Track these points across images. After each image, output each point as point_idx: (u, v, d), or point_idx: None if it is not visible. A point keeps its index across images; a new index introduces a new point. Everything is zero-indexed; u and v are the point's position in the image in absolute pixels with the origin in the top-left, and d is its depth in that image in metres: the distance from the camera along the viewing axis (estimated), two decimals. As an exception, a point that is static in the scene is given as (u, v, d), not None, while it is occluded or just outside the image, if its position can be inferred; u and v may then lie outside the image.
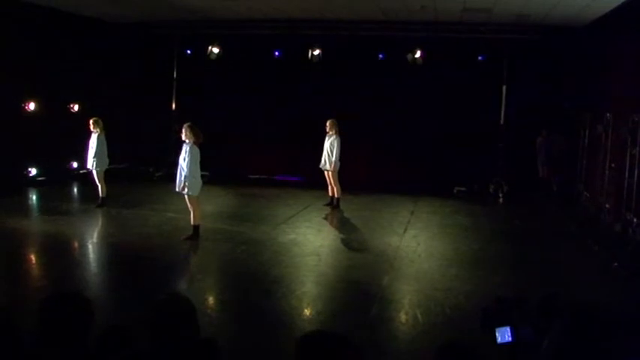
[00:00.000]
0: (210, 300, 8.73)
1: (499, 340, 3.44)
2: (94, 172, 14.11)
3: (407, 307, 8.25)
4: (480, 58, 18.05)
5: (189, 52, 19.92)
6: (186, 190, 11.04)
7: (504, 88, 17.96)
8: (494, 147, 17.99)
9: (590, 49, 15.99)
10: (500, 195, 17.60)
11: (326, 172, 14.97)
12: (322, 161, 14.88)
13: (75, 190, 17.20)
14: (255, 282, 9.21)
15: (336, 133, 14.69)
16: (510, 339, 3.42)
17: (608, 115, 14.21)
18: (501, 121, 18.09)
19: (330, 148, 14.73)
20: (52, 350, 3.41)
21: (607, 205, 13.78)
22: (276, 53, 19.29)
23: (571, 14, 14.44)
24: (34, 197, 15.96)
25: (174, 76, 20.08)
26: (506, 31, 16.91)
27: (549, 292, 3.84)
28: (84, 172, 16.34)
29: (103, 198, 14.14)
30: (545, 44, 16.81)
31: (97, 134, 14.00)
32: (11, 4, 15.07)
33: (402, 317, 7.85)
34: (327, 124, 14.79)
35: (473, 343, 3.30)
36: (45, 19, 16.05)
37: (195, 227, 11.39)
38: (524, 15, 14.92)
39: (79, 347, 3.47)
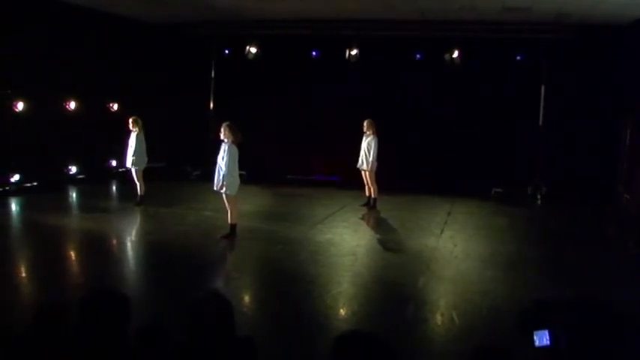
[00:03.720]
0: (247, 299, 8.77)
1: (537, 343, 3.41)
2: (133, 171, 14.28)
3: (443, 308, 8.20)
4: (518, 58, 17.79)
5: (227, 52, 20.03)
6: (224, 189, 11.12)
7: (543, 88, 17.73)
8: (532, 148, 17.77)
9: (632, 48, 15.71)
10: (539, 197, 17.37)
11: (363, 172, 14.96)
12: (360, 161, 14.87)
13: (114, 188, 17.44)
14: (291, 281, 9.26)
15: (373, 133, 14.66)
16: (548, 342, 3.39)
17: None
18: (540, 122, 17.86)
19: (367, 148, 14.71)
20: (91, 346, 3.47)
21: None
22: (314, 53, 19.29)
23: (612, 12, 14.20)
24: (74, 195, 16.24)
25: (212, 75, 20.23)
26: (545, 31, 16.66)
27: (586, 296, 3.80)
28: (123, 171, 16.55)
29: (141, 196, 14.30)
30: (585, 44, 16.52)
31: (136, 133, 14.18)
32: (51, 5, 15.32)
33: (438, 319, 7.80)
34: (365, 124, 14.77)
35: (508, 347, 3.28)
36: (84, 20, 16.27)
37: (233, 226, 11.47)
38: (564, 14, 14.72)
39: (116, 343, 3.52)
